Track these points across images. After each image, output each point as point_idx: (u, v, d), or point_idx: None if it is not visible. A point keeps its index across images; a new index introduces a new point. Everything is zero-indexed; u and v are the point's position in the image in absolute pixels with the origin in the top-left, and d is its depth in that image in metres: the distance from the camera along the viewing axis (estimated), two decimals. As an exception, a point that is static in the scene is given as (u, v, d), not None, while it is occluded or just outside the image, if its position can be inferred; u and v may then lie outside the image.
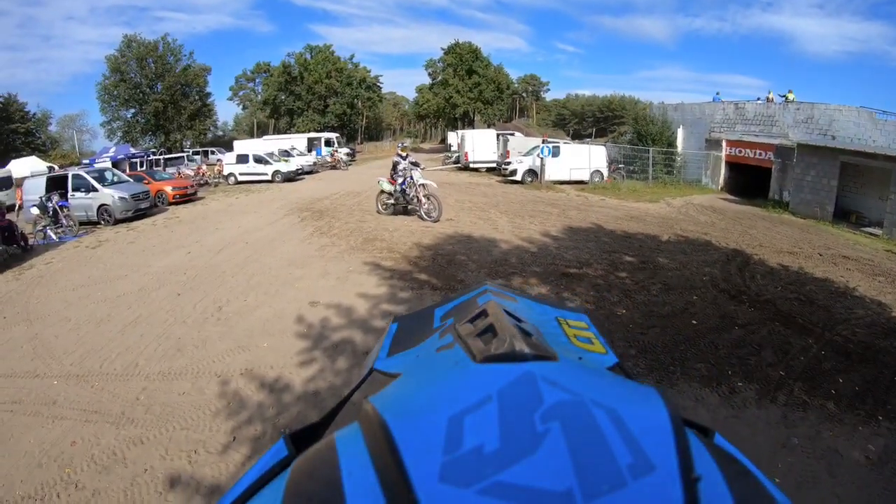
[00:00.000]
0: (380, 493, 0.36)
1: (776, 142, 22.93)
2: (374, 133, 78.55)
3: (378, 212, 14.20)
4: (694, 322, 7.38)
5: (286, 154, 30.36)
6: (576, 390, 0.45)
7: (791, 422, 5.36)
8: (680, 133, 27.46)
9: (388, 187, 13.70)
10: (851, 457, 4.93)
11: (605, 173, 23.80)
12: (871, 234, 17.55)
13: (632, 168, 25.41)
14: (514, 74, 72.03)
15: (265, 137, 45.16)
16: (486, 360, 0.53)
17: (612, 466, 0.36)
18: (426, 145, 69.08)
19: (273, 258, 10.48)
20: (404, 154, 13.32)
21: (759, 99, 26.81)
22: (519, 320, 0.66)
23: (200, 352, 6.42)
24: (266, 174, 25.95)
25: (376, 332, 6.53)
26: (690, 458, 0.39)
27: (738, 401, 5.61)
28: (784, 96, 25.81)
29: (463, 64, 60.70)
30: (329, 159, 36.46)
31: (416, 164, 13.35)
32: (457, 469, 0.37)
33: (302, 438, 0.57)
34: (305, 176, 29.22)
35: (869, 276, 10.95)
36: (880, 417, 5.64)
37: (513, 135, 31.19)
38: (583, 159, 23.52)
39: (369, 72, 69.27)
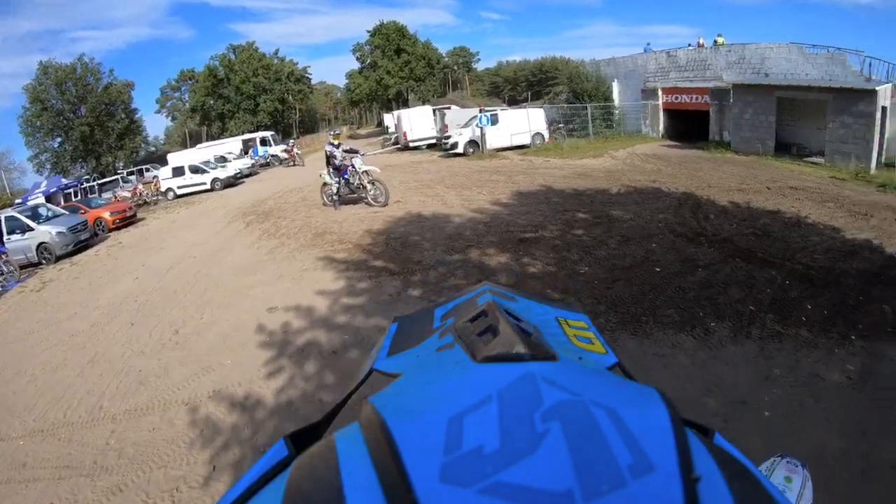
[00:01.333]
0: (380, 493, 0.36)
1: (711, 85, 23.57)
2: (310, 125, 76.68)
3: (324, 204, 13.87)
4: (657, 269, 7.43)
5: (223, 160, 29.66)
6: (576, 390, 0.45)
7: (768, 354, 5.44)
8: (615, 87, 27.90)
9: (329, 179, 13.39)
10: (833, 379, 5.04)
11: (546, 135, 23.99)
12: (813, 163, 18.41)
13: (572, 126, 25.64)
14: (443, 49, 71.32)
15: (199, 146, 43.38)
16: (486, 360, 0.53)
17: (612, 466, 0.36)
18: (363, 130, 68.20)
19: (223, 269, 10.03)
20: (336, 143, 13.03)
21: (689, 45, 27.38)
22: (519, 320, 0.67)
23: (163, 381, 6.03)
24: (205, 183, 25.32)
25: (341, 329, 6.29)
26: (690, 458, 0.38)
27: (714, 341, 5.64)
28: (714, 41, 26.36)
29: (390, 44, 59.92)
30: (285, 155, 35.25)
31: (354, 151, 13.09)
32: (457, 469, 0.37)
33: (302, 438, 0.57)
34: (245, 179, 28.46)
35: (818, 204, 11.31)
36: (853, 337, 5.81)
37: (449, 108, 31.04)
38: (522, 124, 23.60)
39: (296, 64, 67.32)
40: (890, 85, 19.62)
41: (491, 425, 0.40)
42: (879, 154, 18.06)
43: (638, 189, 12.61)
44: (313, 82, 75.23)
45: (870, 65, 21.17)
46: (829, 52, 21.63)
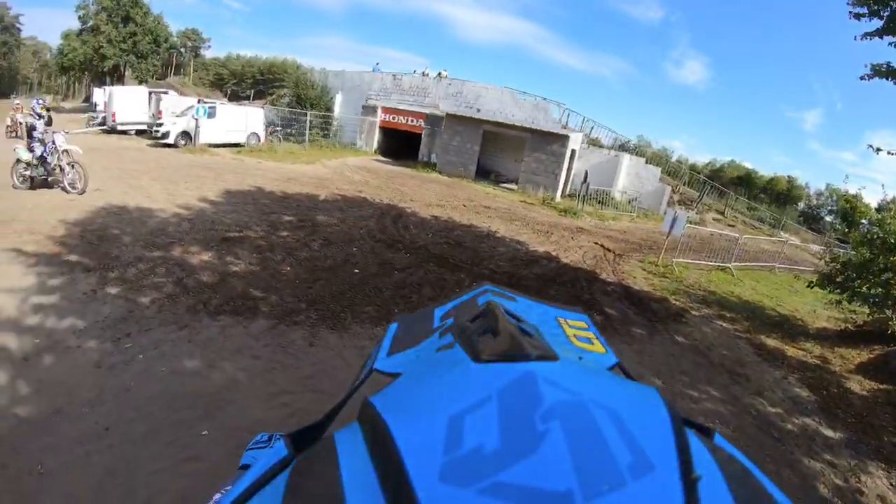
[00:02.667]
0: (380, 493, 0.37)
1: (427, 111, 25.71)
2: (6, 87, 63.07)
3: (14, 186, 11.34)
4: (356, 271, 7.63)
5: None
6: (576, 390, 0.45)
7: None
8: (339, 98, 28.69)
9: (25, 156, 11.06)
10: None
11: (262, 136, 23.32)
12: (508, 188, 21.59)
13: (289, 131, 25.40)
14: (174, 27, 64.21)
15: None
16: (486, 360, 0.52)
17: (612, 466, 0.36)
18: (68, 104, 57.96)
19: None
20: (44, 113, 10.95)
21: (415, 72, 29.68)
22: (519, 320, 0.67)
23: None
24: None
25: (31, 332, 5.06)
26: (690, 458, 0.39)
27: None
28: (439, 73, 28.89)
29: (120, 9, 52.51)
30: (8, 123, 22.67)
31: (48, 123, 11.10)
32: (457, 469, 0.37)
33: (302, 438, 0.55)
34: None
35: (507, 221, 12.85)
36: None
37: (166, 93, 28.04)
38: (239, 121, 22.55)
39: (9, 9, 55.31)
40: (581, 133, 24.30)
41: (491, 425, 0.40)
42: (564, 187, 22.11)
43: (345, 197, 12.90)
44: (23, 36, 62.34)
45: (568, 115, 25.98)
46: (536, 99, 25.72)
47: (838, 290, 9.93)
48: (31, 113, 11.18)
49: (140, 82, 46.18)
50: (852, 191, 33.64)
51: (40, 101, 11.67)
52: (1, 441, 3.43)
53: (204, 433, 3.77)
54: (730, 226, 23.29)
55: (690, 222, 14.21)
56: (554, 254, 10.99)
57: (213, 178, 14.13)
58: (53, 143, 10.88)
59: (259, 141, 22.87)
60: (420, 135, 25.58)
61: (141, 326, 5.13)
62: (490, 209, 14.11)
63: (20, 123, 22.58)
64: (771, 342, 8.27)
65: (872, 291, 9.16)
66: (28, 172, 11.09)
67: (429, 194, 15.26)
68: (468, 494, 0.34)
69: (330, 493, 0.38)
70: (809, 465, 4.90)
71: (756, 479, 0.43)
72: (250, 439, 1.15)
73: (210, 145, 21.18)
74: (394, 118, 26.52)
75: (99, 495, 3.14)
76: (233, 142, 22.16)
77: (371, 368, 0.79)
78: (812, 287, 10.75)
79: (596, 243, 13.37)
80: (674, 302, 9.30)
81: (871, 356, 8.27)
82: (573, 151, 22.51)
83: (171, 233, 8.58)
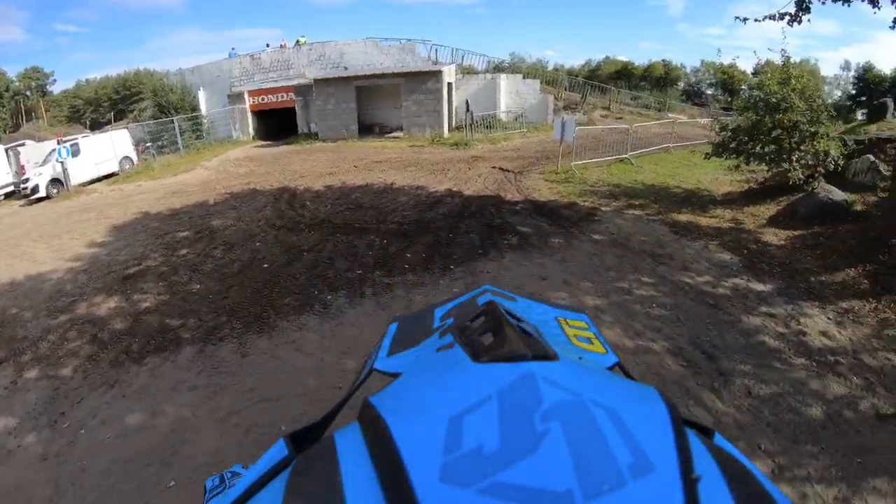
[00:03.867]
0: (380, 493, 0.37)
1: (295, 83, 24.94)
2: None
3: None
4: (266, 266, 7.53)
5: None
6: (576, 390, 0.45)
7: (385, 303, 6.09)
8: (202, 95, 27.21)
9: None
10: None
11: (135, 157, 21.98)
12: (394, 137, 21.42)
13: (161, 143, 23.81)
14: (12, 71, 59.05)
15: None
16: (486, 360, 0.52)
17: (612, 466, 0.37)
18: None
19: None
20: None
21: (269, 46, 28.26)
22: (519, 320, 0.67)
23: None
24: None
25: None
26: (690, 458, 0.39)
27: (333, 311, 6.02)
28: (297, 41, 27.60)
29: None
30: None
31: None
32: (457, 469, 0.37)
33: (302, 438, 0.56)
34: None
35: (401, 170, 12.87)
36: (452, 267, 6.97)
37: (23, 145, 25.90)
38: (107, 149, 21.03)
39: None
40: (454, 65, 24.06)
41: (491, 425, 0.40)
42: (450, 121, 22.07)
43: (234, 194, 12.53)
44: None
45: (436, 51, 25.68)
46: (401, 43, 25.20)
47: (734, 156, 10.63)
48: None
49: (-9, 142, 42.37)
50: (727, 62, 35.50)
51: None
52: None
53: (171, 485, 3.74)
54: (618, 118, 23.97)
55: (579, 124, 14.61)
56: (455, 189, 11.11)
57: (96, 219, 13.37)
58: None
59: (133, 164, 21.61)
60: (293, 108, 24.91)
61: (72, 400, 4.94)
62: (382, 163, 14.06)
63: None
64: (683, 218, 8.75)
65: (766, 150, 9.80)
66: None
67: (317, 165, 15.03)
68: (468, 494, 0.35)
69: (330, 493, 0.38)
70: (750, 322, 5.28)
71: (756, 479, 0.43)
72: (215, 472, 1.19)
73: (84, 184, 19.93)
74: (263, 99, 25.63)
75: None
76: (106, 173, 20.87)
77: (371, 368, 0.79)
78: (709, 158, 11.40)
79: (494, 167, 13.59)
80: (583, 204, 9.66)
81: (780, 208, 8.94)
82: (449, 84, 22.47)
83: (69, 291, 8.17)
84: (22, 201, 20.22)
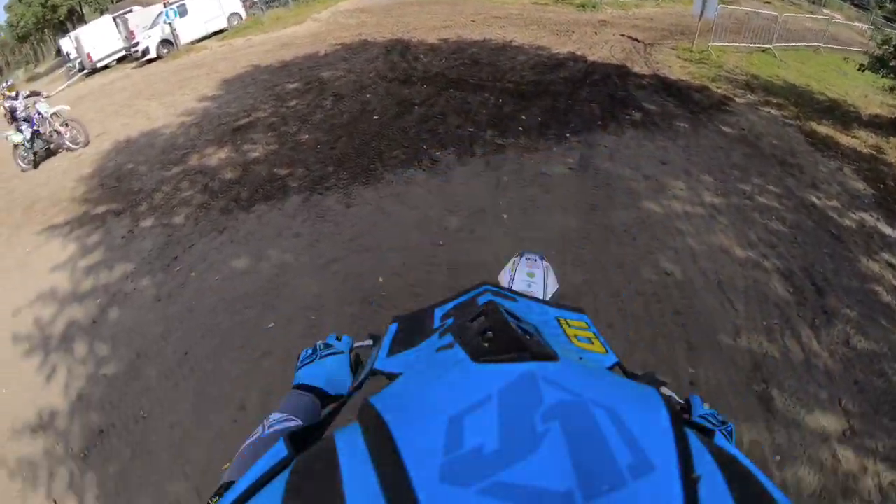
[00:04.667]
0: (380, 493, 0.36)
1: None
2: None
3: (23, 170, 11.39)
4: (376, 118, 7.19)
5: None
6: (576, 390, 0.44)
7: (495, 164, 5.64)
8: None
9: (17, 138, 10.92)
10: (557, 172, 5.43)
11: (243, 13, 21.93)
12: None
13: (269, -2, 23.65)
14: None
15: None
16: (486, 360, 0.52)
17: (612, 466, 0.36)
18: (42, 67, 56.18)
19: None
20: (13, 94, 10.66)
21: None
22: (519, 320, 0.68)
23: None
24: None
25: (91, 294, 5.01)
26: (690, 458, 0.39)
27: (441, 167, 5.69)
28: None
29: None
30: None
31: (36, 94, 10.82)
32: (457, 469, 0.37)
33: (302, 438, 0.56)
34: None
35: (522, 28, 11.90)
36: (568, 135, 6.33)
37: (131, 12, 26.70)
38: (214, 7, 21.11)
39: None
40: None
41: (491, 425, 0.40)
42: None
43: (345, 46, 12.04)
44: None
45: None
46: None
47: (892, 76, 9.20)
48: (2, 98, 10.90)
49: (101, 13, 43.65)
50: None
51: (3, 86, 11.66)
52: (101, 403, 3.56)
53: (270, 326, 3.77)
54: (766, 2, 20.97)
55: (723, 2, 12.77)
56: (579, 53, 10.06)
57: (206, 74, 13.53)
58: (38, 113, 10.67)
59: (242, 19, 21.63)
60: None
61: (184, 246, 5.08)
62: (501, 18, 13.06)
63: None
64: (822, 129, 7.53)
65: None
66: (29, 153, 11.02)
67: (432, 18, 14.15)
68: (468, 494, 0.34)
69: (330, 493, 0.37)
70: (869, 266, 4.52)
71: (756, 479, 0.41)
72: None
73: (193, 42, 20.24)
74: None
75: (198, 415, 3.27)
76: (216, 30, 21.10)
77: (371, 368, 0.79)
78: (863, 70, 9.87)
79: (622, 35, 12.19)
80: (715, 90, 8.50)
81: (930, 148, 7.44)
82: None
83: (182, 144, 8.33)
84: (134, 64, 20.92)
